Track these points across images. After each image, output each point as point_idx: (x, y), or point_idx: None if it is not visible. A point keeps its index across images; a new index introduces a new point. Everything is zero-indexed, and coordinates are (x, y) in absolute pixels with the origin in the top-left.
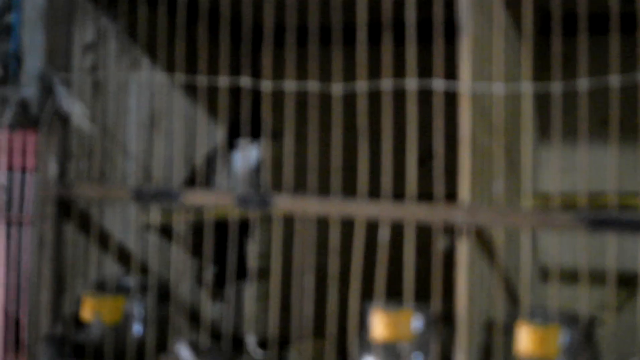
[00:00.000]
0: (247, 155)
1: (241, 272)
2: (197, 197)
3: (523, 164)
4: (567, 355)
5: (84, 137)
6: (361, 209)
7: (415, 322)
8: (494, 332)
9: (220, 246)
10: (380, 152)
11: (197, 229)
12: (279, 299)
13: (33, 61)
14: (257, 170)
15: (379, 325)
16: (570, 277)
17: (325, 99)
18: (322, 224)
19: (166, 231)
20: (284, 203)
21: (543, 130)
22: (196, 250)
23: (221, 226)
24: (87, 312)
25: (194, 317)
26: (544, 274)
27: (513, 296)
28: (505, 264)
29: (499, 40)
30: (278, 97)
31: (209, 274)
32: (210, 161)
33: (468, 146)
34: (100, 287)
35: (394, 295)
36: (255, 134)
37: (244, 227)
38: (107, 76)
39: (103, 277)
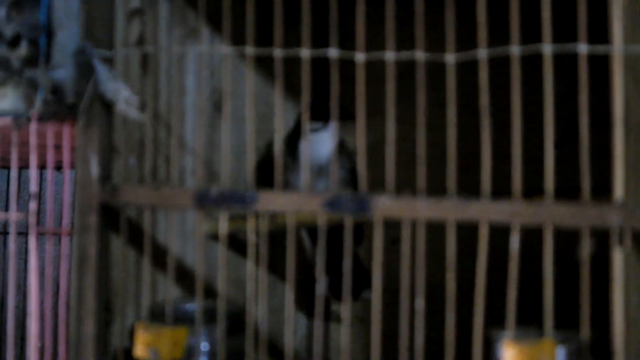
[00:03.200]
0: (322, 143)
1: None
2: (276, 201)
3: None
4: None
5: (132, 128)
6: (485, 211)
7: (559, 356)
8: None
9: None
10: (507, 138)
11: (275, 239)
12: (381, 324)
13: (67, 35)
14: (336, 160)
15: None
16: None
17: (433, 73)
18: (435, 229)
19: (237, 242)
20: (386, 206)
21: None
22: (275, 267)
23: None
24: (141, 348)
25: (274, 349)
26: None
27: None
28: None
29: None
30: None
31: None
32: (285, 153)
33: (622, 126)
34: (156, 315)
35: (529, 319)
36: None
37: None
38: (159, 50)
39: (159, 302)
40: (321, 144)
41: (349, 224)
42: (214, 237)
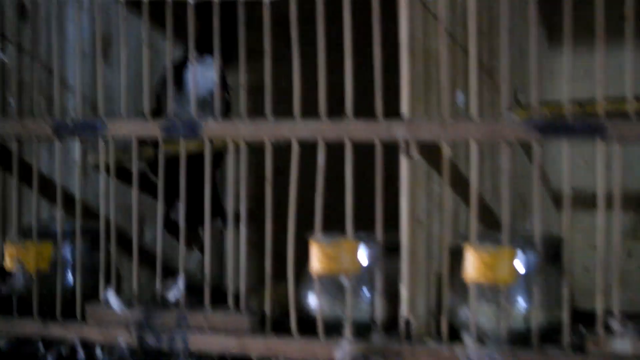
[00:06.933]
0: (202, 76)
1: (216, 214)
2: (122, 128)
3: (503, 71)
4: (527, 281)
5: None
6: (295, 130)
7: (362, 254)
8: (443, 261)
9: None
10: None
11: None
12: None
13: None
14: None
15: (318, 258)
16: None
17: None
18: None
19: (120, 171)
20: (213, 129)
21: (554, 31)
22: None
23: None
24: (9, 261)
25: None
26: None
27: (496, 223)
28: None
29: None
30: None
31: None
32: (162, 87)
33: (407, 52)
34: (28, 234)
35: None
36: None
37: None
38: None
39: (32, 223)
40: (205, 75)
41: (183, 148)
42: (98, 167)
